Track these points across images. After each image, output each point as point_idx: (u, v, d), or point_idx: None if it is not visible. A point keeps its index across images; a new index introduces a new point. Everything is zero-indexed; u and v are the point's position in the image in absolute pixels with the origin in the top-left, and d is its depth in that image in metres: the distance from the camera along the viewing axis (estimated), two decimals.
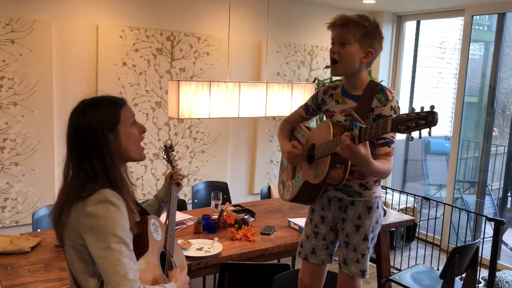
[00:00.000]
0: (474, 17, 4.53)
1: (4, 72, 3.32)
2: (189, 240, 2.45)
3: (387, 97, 1.84)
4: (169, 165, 2.23)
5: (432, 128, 1.40)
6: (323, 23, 2.13)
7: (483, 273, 3.73)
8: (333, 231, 2.06)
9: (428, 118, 1.38)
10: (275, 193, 4.05)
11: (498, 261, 4.04)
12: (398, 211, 4.37)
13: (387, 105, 1.83)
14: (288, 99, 3.45)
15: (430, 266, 4.03)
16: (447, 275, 2.62)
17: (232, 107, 3.19)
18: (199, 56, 4.14)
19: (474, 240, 3.32)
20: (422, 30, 5.32)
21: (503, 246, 4.53)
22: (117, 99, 1.49)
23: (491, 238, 3.25)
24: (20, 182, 3.49)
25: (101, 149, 1.39)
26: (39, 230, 2.72)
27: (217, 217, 2.80)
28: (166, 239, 1.63)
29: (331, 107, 2.01)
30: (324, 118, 2.10)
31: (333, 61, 1.91)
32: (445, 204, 4.48)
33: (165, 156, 2.17)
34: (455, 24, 5.69)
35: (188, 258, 2.18)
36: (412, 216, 4.13)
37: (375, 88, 1.88)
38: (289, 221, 2.90)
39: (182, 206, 3.31)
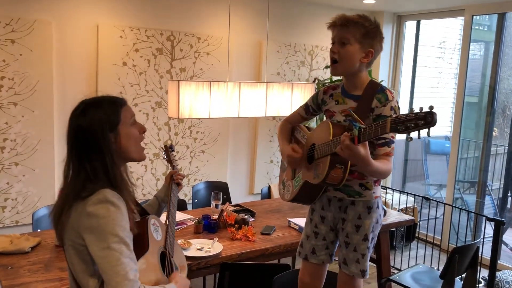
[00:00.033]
0: (474, 17, 4.53)
1: (4, 72, 3.33)
2: (189, 240, 2.45)
3: (387, 97, 1.84)
4: (169, 165, 2.23)
5: (432, 128, 1.40)
6: (323, 23, 2.14)
7: (483, 273, 3.72)
8: (333, 231, 2.06)
9: (427, 119, 1.38)
10: (275, 193, 4.05)
11: (498, 261, 4.04)
12: (398, 211, 4.37)
13: (387, 105, 1.83)
14: (288, 99, 3.45)
15: (430, 266, 4.03)
16: (447, 275, 2.62)
17: (232, 107, 3.19)
18: (199, 56, 4.14)
19: (474, 240, 3.32)
20: (422, 30, 5.32)
21: (503, 246, 4.53)
22: (117, 99, 1.49)
23: (491, 238, 3.25)
24: (20, 182, 3.49)
25: (101, 149, 1.39)
26: (39, 230, 2.72)
27: (217, 217, 2.80)
28: (166, 239, 1.63)
29: (331, 107, 2.01)
30: (324, 118, 2.10)
31: (333, 61, 1.91)
32: (445, 204, 4.48)
33: (165, 156, 2.17)
34: (455, 24, 5.69)
35: (188, 258, 2.19)
36: (412, 216, 4.13)
37: (375, 88, 1.88)
38: (289, 221, 2.90)
39: (182, 206, 3.31)
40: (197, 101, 3.01)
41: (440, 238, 4.66)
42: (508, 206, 4.86)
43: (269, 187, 4.07)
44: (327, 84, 3.21)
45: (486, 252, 3.79)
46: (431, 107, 1.40)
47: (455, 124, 4.70)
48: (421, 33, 5.32)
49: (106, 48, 3.69)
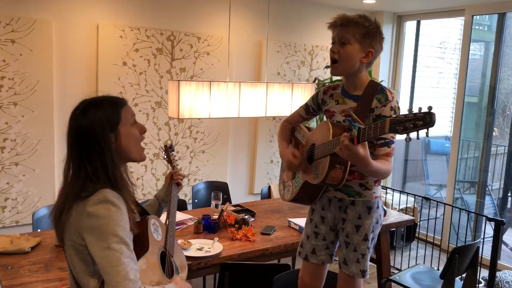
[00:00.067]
0: (474, 17, 4.53)
1: (5, 72, 3.33)
2: (189, 240, 2.45)
3: (387, 97, 1.84)
4: (169, 165, 2.23)
5: (431, 128, 1.40)
6: (323, 23, 2.14)
7: (483, 273, 3.73)
8: (333, 231, 2.06)
9: (426, 119, 1.38)
10: (275, 193, 4.05)
11: (498, 261, 4.04)
12: (398, 211, 4.37)
13: (387, 106, 1.82)
14: (288, 99, 3.45)
15: (430, 266, 4.03)
16: (447, 275, 2.62)
17: (232, 107, 3.19)
18: (199, 56, 4.14)
19: (474, 240, 3.32)
20: (422, 30, 5.32)
21: (503, 246, 4.53)
22: (117, 99, 1.49)
23: (491, 238, 3.25)
24: (20, 182, 3.49)
25: (102, 149, 1.39)
26: (39, 230, 2.72)
27: (217, 217, 2.80)
28: (166, 239, 1.63)
29: (331, 107, 2.01)
30: (325, 118, 2.10)
31: (333, 61, 1.91)
32: (445, 204, 4.48)
33: (165, 156, 2.17)
34: (455, 24, 5.69)
35: (188, 258, 2.18)
36: (412, 216, 4.13)
37: (375, 88, 1.88)
38: (289, 221, 2.90)
39: (182, 206, 3.31)
40: (197, 101, 3.01)
41: (440, 238, 4.66)
42: (508, 206, 4.86)
43: (269, 187, 4.07)
44: (327, 84, 3.21)
45: (486, 252, 3.79)
46: (429, 108, 1.40)
47: (455, 124, 4.70)
48: (421, 33, 5.32)
49: (106, 48, 3.68)
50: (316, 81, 4.70)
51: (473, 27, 4.53)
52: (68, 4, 3.53)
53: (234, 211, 3.00)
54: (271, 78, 4.52)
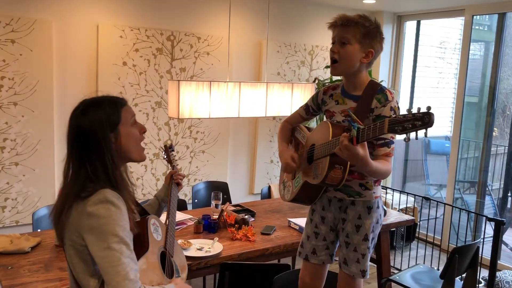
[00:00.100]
0: (474, 17, 4.53)
1: (5, 72, 3.32)
2: (189, 240, 2.45)
3: (387, 97, 1.84)
4: (169, 165, 2.23)
5: (430, 128, 1.40)
6: (323, 23, 2.14)
7: (483, 273, 3.73)
8: (334, 231, 2.06)
9: (424, 119, 1.38)
10: (275, 193, 4.05)
11: (498, 261, 4.04)
12: (398, 211, 4.37)
13: (386, 106, 1.82)
14: (288, 99, 3.45)
15: (430, 266, 4.03)
16: (447, 275, 2.62)
17: (232, 107, 3.19)
18: (199, 56, 4.14)
19: (474, 240, 3.32)
20: (422, 30, 5.32)
21: (503, 246, 4.52)
22: (117, 99, 1.49)
23: (491, 238, 3.25)
24: (20, 182, 3.49)
25: (102, 149, 1.39)
26: (39, 230, 2.72)
27: (217, 217, 2.80)
28: (166, 239, 1.63)
29: (331, 107, 2.01)
30: (325, 119, 2.10)
31: (333, 61, 1.91)
32: (445, 204, 4.48)
33: (165, 156, 2.17)
34: (455, 24, 5.69)
35: (188, 258, 2.18)
36: (412, 216, 4.13)
37: (375, 89, 1.88)
38: (289, 221, 2.90)
39: (182, 206, 3.31)
40: (197, 101, 3.01)
41: (440, 238, 4.66)
42: (508, 206, 4.86)
43: (269, 187, 4.07)
44: (327, 84, 3.21)
45: (486, 252, 3.79)
46: (428, 108, 1.40)
47: (455, 124, 4.70)
48: (421, 33, 5.32)
49: (106, 48, 3.68)
50: (316, 81, 4.70)
51: (473, 27, 4.53)
52: (68, 4, 3.53)
53: (234, 211, 3.00)
54: (271, 78, 4.52)
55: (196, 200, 3.65)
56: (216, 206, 2.89)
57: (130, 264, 1.30)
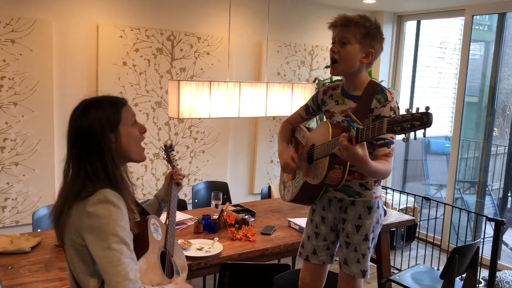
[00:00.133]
0: (475, 17, 4.53)
1: (5, 72, 3.32)
2: (189, 240, 2.45)
3: (387, 97, 1.84)
4: (169, 165, 2.23)
5: (430, 128, 1.41)
6: (323, 23, 2.14)
7: (484, 273, 3.72)
8: (334, 231, 2.06)
9: (423, 119, 1.38)
10: (275, 193, 4.05)
11: (498, 261, 4.04)
12: (398, 211, 4.37)
13: (386, 106, 1.82)
14: (289, 99, 3.45)
15: (431, 266, 4.03)
16: (447, 275, 2.62)
17: (232, 107, 3.19)
18: (199, 56, 4.14)
19: (474, 240, 3.32)
20: (422, 30, 5.32)
21: (503, 246, 4.52)
22: (117, 99, 1.49)
23: (491, 238, 3.24)
24: (20, 182, 3.49)
25: (102, 149, 1.38)
26: (39, 230, 2.72)
27: (217, 217, 2.80)
28: (166, 239, 1.63)
29: (331, 107, 2.01)
30: (325, 119, 2.10)
31: (333, 61, 1.91)
32: (445, 204, 4.48)
33: (165, 156, 2.17)
34: (456, 24, 5.69)
35: (188, 258, 2.18)
36: (412, 216, 4.13)
37: (375, 89, 1.88)
38: (289, 221, 2.90)
39: (182, 206, 3.31)
40: (197, 101, 3.01)
41: (440, 238, 4.66)
42: (508, 206, 4.86)
43: (269, 187, 4.07)
44: (327, 84, 3.21)
45: (486, 252, 3.79)
46: (427, 108, 1.40)
47: (455, 124, 4.70)
48: (421, 33, 5.32)
49: (106, 48, 3.68)
50: (316, 81, 4.70)
51: (473, 27, 4.53)
52: (68, 4, 3.53)
53: (234, 211, 3.00)
54: (271, 78, 4.52)
55: (196, 200, 3.65)
56: (216, 206, 2.89)
57: (130, 264, 1.30)
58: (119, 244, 1.30)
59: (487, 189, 4.82)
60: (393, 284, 3.03)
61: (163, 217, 1.97)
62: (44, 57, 3.45)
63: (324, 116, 2.09)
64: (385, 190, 4.74)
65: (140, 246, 1.47)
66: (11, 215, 3.48)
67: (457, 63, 4.93)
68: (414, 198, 4.66)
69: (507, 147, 4.76)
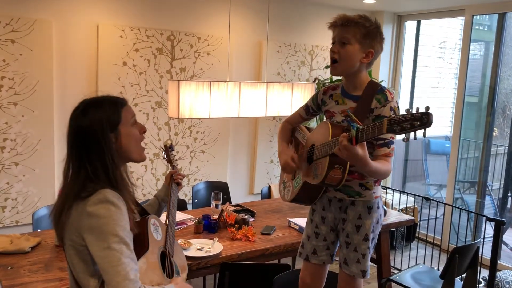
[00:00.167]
0: (475, 17, 4.53)
1: (5, 72, 3.32)
2: (189, 240, 2.45)
3: (387, 97, 1.84)
4: (169, 165, 2.23)
5: (429, 128, 1.41)
6: (323, 23, 2.14)
7: (484, 273, 3.72)
8: (334, 231, 2.06)
9: (423, 119, 1.38)
10: (275, 193, 4.05)
11: (499, 261, 4.04)
12: (398, 211, 4.37)
13: (386, 106, 1.82)
14: (289, 99, 3.45)
15: (431, 266, 4.03)
16: (447, 275, 2.62)
17: (232, 107, 3.19)
18: (199, 56, 4.14)
19: (474, 240, 3.32)
20: (422, 30, 5.32)
21: (503, 246, 4.52)
22: (118, 99, 1.49)
23: (491, 238, 3.25)
24: (20, 182, 3.49)
25: (102, 149, 1.38)
26: (39, 230, 2.72)
27: (217, 217, 2.80)
28: (166, 239, 1.63)
29: (331, 107, 2.01)
30: (325, 119, 2.10)
31: (333, 61, 1.91)
32: (445, 204, 4.48)
33: (165, 156, 2.17)
34: (456, 24, 5.69)
35: (188, 258, 2.18)
36: (412, 216, 4.13)
37: (375, 89, 1.88)
38: (289, 221, 2.90)
39: (182, 206, 3.31)
40: (197, 101, 3.01)
41: (440, 238, 4.66)
42: (508, 206, 4.86)
43: (269, 187, 4.07)
44: (327, 84, 3.21)
45: (486, 252, 3.79)
46: (427, 108, 1.40)
47: (455, 124, 4.70)
48: (421, 33, 5.32)
49: (106, 48, 3.68)
50: (316, 81, 4.70)
51: (473, 27, 4.53)
52: (68, 4, 3.53)
53: (234, 211, 3.00)
54: (271, 78, 4.52)
55: (196, 200, 3.65)
56: (216, 206, 2.89)
57: (130, 264, 1.30)
58: (119, 244, 1.30)
59: (487, 189, 4.82)
60: (393, 284, 3.03)
61: (163, 217, 1.97)
62: (44, 57, 3.45)
63: (324, 116, 2.09)
64: (385, 190, 4.74)
65: (140, 246, 1.47)
66: (11, 215, 3.48)
67: (457, 63, 4.93)
68: (414, 198, 4.66)
69: (507, 147, 4.76)
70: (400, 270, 3.76)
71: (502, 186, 4.94)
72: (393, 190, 4.65)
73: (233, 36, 4.15)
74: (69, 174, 1.42)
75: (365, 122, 1.80)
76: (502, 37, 4.41)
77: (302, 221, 2.75)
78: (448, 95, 5.79)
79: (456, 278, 2.67)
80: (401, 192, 4.60)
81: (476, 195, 4.79)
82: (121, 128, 1.44)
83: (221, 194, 2.96)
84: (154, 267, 1.48)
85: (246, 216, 2.84)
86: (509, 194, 4.85)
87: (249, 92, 3.25)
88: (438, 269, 3.36)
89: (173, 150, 2.17)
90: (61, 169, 1.43)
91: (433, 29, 5.62)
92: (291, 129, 2.26)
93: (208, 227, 2.71)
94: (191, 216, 2.95)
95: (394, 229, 4.22)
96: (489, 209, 4.87)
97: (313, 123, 4.26)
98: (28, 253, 2.29)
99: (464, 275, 2.91)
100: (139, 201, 1.67)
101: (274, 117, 4.57)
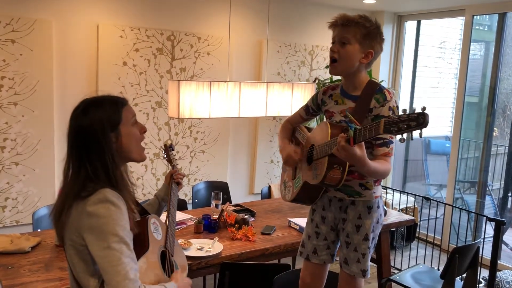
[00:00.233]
0: (475, 17, 4.53)
1: (5, 72, 3.33)
2: (189, 240, 2.45)
3: (386, 97, 1.84)
4: (169, 164, 2.23)
5: (428, 128, 1.41)
6: (323, 23, 2.14)
7: (484, 273, 3.72)
8: (334, 231, 2.06)
9: (419, 120, 1.38)
10: (275, 193, 4.05)
11: (499, 261, 4.04)
12: (399, 211, 4.37)
13: (385, 106, 1.82)
14: (289, 99, 3.45)
15: (431, 266, 4.03)
16: (447, 275, 2.62)
17: (232, 107, 3.19)
18: (199, 56, 4.14)
19: (474, 240, 3.32)
20: (422, 30, 5.32)
21: (503, 246, 4.52)
22: (118, 99, 1.49)
23: (492, 238, 3.24)
24: (20, 182, 3.49)
25: (102, 149, 1.38)
26: (39, 230, 2.72)
27: (217, 217, 2.80)
28: (166, 239, 1.63)
29: (331, 107, 2.01)
30: (325, 119, 2.11)
31: (333, 60, 1.91)
32: (445, 204, 4.48)
33: (165, 156, 2.17)
34: (456, 24, 5.69)
35: (188, 258, 2.18)
36: (413, 216, 4.12)
37: (374, 88, 1.88)
38: (289, 221, 2.90)
39: (182, 206, 3.31)
40: (197, 101, 3.01)
41: (440, 238, 4.66)
42: (509, 206, 4.86)
43: (269, 187, 4.07)
44: (327, 84, 3.21)
45: (486, 252, 3.79)
46: (423, 108, 1.40)
47: (455, 124, 4.70)
48: (421, 33, 5.32)
49: (106, 48, 3.68)
50: (316, 81, 4.70)
51: (473, 27, 4.53)
52: (68, 4, 3.53)
53: (234, 211, 3.00)
54: (271, 78, 4.52)
55: (196, 200, 3.65)
56: (216, 206, 2.89)
57: (130, 263, 1.30)
58: (119, 243, 1.30)
59: (487, 189, 4.82)
60: (393, 284, 3.03)
61: (163, 216, 1.97)
62: (44, 57, 3.45)
63: (324, 116, 2.09)
64: (385, 190, 4.74)
65: (140, 245, 1.47)
66: (11, 215, 3.48)
67: (457, 63, 4.93)
68: (414, 198, 4.66)
69: (507, 147, 4.76)
70: (400, 270, 3.76)
71: (502, 186, 4.94)
72: (393, 190, 4.65)
73: (233, 36, 4.15)
74: (69, 174, 1.42)
75: (364, 122, 1.80)
76: (502, 37, 4.41)
77: (302, 221, 2.75)
78: (448, 95, 5.79)
79: (456, 278, 2.67)
80: (401, 192, 4.60)
81: (476, 195, 4.79)
82: (121, 128, 1.44)
83: (221, 194, 2.96)
84: (154, 267, 1.48)
85: (246, 216, 2.84)
86: (509, 194, 4.85)
87: (249, 92, 3.25)
88: (438, 269, 3.36)
89: (173, 150, 2.17)
90: (61, 169, 1.43)
91: (433, 29, 5.62)
92: (291, 128, 2.26)
93: (208, 227, 2.71)
94: (191, 216, 2.95)
95: (394, 229, 4.22)
96: (489, 209, 4.87)
97: (313, 123, 4.26)
98: (28, 253, 2.29)
99: (464, 275, 2.91)
100: (139, 201, 1.67)
101: (274, 117, 4.57)
